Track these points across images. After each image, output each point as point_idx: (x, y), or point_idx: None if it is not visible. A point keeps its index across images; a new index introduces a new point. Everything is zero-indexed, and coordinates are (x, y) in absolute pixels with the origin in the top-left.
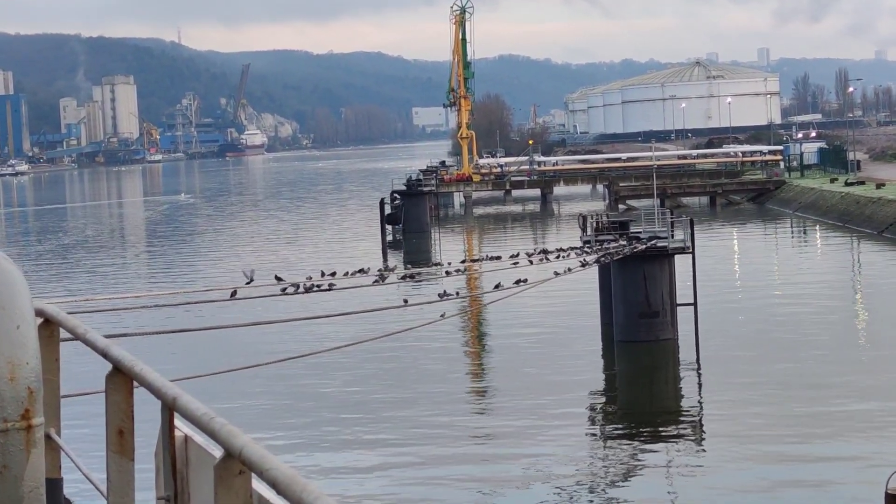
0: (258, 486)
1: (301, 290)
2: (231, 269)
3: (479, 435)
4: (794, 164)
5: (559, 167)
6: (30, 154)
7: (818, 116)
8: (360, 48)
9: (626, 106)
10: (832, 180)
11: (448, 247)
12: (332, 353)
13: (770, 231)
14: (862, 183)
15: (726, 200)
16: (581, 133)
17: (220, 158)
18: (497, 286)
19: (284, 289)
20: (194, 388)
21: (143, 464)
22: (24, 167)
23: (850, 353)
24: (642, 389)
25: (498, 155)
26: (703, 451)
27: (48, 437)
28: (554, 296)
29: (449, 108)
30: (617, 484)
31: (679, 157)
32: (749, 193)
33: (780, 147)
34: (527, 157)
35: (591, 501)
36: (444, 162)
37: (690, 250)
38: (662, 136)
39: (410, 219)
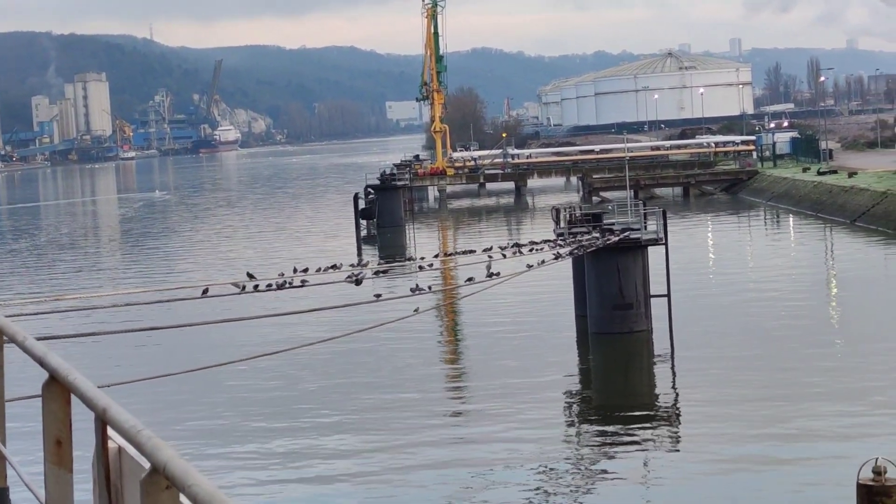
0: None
1: (273, 286)
2: (207, 265)
3: (454, 427)
4: (767, 153)
5: (533, 160)
6: (2, 153)
7: (790, 106)
8: (333, 43)
9: (599, 98)
10: (805, 170)
11: (423, 241)
12: (305, 349)
13: (743, 221)
14: (834, 172)
15: (700, 191)
16: (555, 125)
17: (193, 155)
18: (469, 280)
19: (257, 286)
20: (162, 388)
21: (82, 475)
22: None
23: (825, 342)
24: (617, 381)
25: (472, 148)
26: (678, 442)
27: None
28: (528, 289)
29: (422, 102)
30: (592, 476)
31: (652, 149)
32: (722, 184)
33: (753, 137)
34: (500, 151)
35: (567, 492)
36: (418, 156)
37: (663, 241)
38: (636, 128)
39: (385, 213)
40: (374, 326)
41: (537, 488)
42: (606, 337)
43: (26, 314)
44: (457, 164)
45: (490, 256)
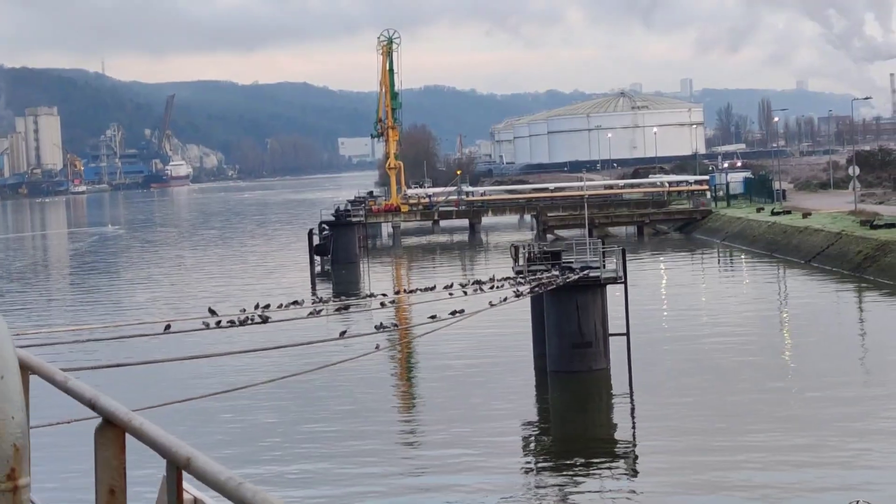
0: None
1: (236, 322)
2: (163, 301)
3: (411, 467)
4: (721, 193)
5: (487, 197)
6: None
7: (742, 146)
8: (286, 79)
9: (551, 136)
10: (759, 210)
11: (377, 277)
12: (265, 385)
13: (698, 260)
14: (788, 212)
15: (654, 230)
16: (507, 163)
17: (144, 189)
18: (433, 317)
19: (219, 322)
20: None
21: None
22: None
23: (781, 381)
24: (576, 420)
25: (426, 185)
26: (637, 480)
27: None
28: (486, 327)
29: (376, 139)
30: None
31: (606, 187)
32: (676, 223)
33: (707, 177)
34: (455, 188)
35: None
36: (371, 192)
37: (623, 280)
38: (588, 166)
39: (339, 249)
40: (334, 364)
41: None
42: (565, 375)
43: None
44: (411, 201)
45: (451, 294)
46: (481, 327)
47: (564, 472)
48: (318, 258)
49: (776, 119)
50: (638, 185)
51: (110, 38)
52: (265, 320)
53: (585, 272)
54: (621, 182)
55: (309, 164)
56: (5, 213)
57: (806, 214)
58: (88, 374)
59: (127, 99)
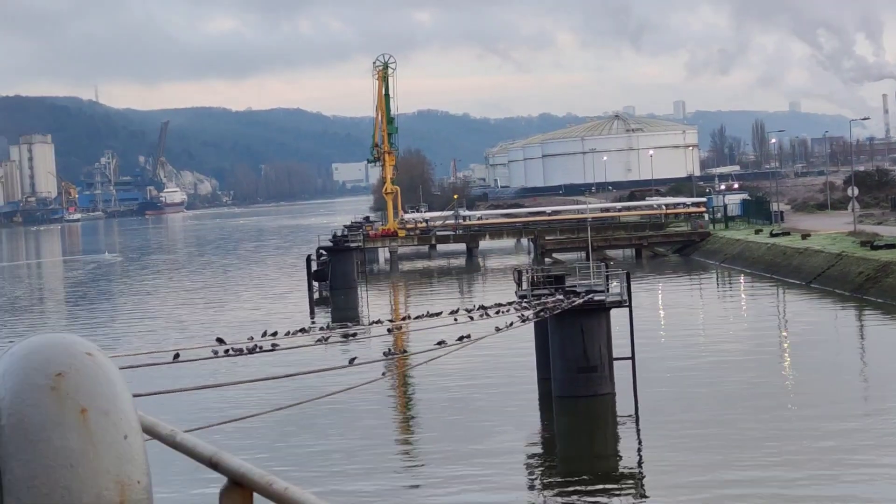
0: None
1: (244, 350)
2: (164, 329)
3: (416, 489)
4: (719, 215)
5: (484, 221)
6: None
7: (736, 168)
8: (279, 105)
9: (546, 160)
10: (757, 231)
11: (376, 302)
12: (270, 414)
13: (699, 283)
14: (787, 234)
15: (652, 252)
16: (502, 187)
17: (139, 217)
18: (441, 343)
19: (227, 350)
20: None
21: None
22: None
23: (786, 404)
24: (581, 445)
25: (422, 210)
26: None
27: None
28: (491, 352)
29: (373, 164)
30: None
31: (603, 210)
32: (675, 245)
33: (704, 199)
34: (452, 212)
35: None
36: (368, 217)
37: (627, 304)
38: (583, 189)
39: (337, 275)
40: (340, 391)
41: None
42: (570, 400)
43: None
44: (408, 226)
45: (456, 319)
46: (486, 352)
47: (571, 497)
48: (316, 284)
49: (773, 140)
50: (635, 208)
51: (104, 66)
52: (273, 347)
53: (590, 296)
54: (618, 205)
55: (303, 190)
56: (0, 241)
57: (805, 235)
58: None
59: (121, 126)
